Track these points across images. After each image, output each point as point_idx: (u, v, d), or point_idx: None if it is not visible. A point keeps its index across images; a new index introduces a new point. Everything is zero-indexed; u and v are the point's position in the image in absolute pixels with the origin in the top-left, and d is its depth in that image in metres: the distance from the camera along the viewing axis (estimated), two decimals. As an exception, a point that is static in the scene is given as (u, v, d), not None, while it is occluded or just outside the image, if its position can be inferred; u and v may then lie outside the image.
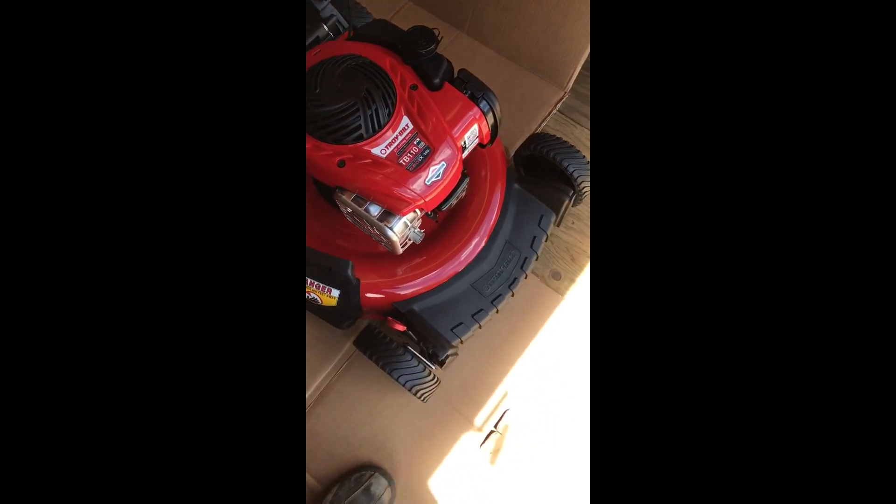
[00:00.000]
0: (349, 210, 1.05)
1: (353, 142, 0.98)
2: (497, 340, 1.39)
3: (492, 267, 1.24)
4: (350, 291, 1.16)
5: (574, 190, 1.31)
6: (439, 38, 1.07)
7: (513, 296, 1.27)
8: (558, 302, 1.40)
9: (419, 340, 1.18)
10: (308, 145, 0.98)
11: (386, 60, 1.04)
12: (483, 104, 1.08)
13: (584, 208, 1.47)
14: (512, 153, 1.42)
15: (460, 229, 1.24)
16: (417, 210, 1.05)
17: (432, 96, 1.05)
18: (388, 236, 1.04)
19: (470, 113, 1.06)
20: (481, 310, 1.22)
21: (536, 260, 1.34)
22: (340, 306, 1.18)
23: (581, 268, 1.44)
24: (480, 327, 1.24)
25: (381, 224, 1.02)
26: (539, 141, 1.30)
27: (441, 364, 1.19)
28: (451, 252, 1.22)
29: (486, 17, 1.61)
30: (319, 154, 0.98)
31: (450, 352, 1.19)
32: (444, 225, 1.27)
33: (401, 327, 1.15)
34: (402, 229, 1.05)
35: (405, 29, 1.07)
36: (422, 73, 1.06)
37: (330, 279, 1.14)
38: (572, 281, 1.43)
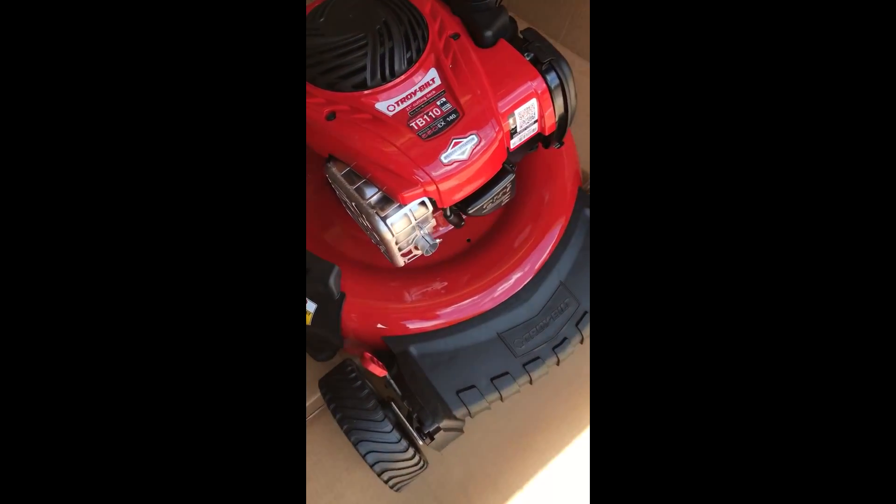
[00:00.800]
0: (340, 191, 0.76)
1: (351, 88, 0.70)
2: (527, 426, 0.98)
3: (533, 315, 0.87)
4: (329, 308, 0.84)
5: None
6: None
7: (558, 364, 0.88)
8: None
9: (406, 398, 0.82)
10: (296, 88, 0.72)
11: (426, 3, 0.78)
12: (551, 76, 0.75)
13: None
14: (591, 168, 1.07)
15: (498, 252, 0.89)
16: (428, 202, 0.73)
17: (479, 52, 0.75)
18: (380, 231, 0.72)
19: (528, 83, 0.74)
20: (506, 373, 0.84)
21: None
22: (315, 327, 0.86)
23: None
24: (502, 399, 0.85)
25: (371, 212, 0.71)
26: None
27: (431, 438, 0.81)
28: (479, 282, 0.87)
29: (586, 27, 1.33)
30: (307, 101, 0.71)
31: (448, 424, 0.82)
32: (477, 244, 0.93)
33: (380, 371, 0.80)
34: (401, 225, 0.73)
35: None
36: (471, 25, 0.77)
37: (311, 284, 0.84)
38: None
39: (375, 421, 0.78)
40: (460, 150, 0.69)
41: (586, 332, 0.88)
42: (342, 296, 0.85)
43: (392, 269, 0.85)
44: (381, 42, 0.69)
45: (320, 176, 0.94)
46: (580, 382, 1.01)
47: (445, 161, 0.68)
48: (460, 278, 0.89)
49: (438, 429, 0.80)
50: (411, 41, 0.71)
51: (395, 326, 0.86)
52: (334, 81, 0.70)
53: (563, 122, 0.81)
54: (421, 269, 0.91)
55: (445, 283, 0.87)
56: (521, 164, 0.97)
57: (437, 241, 0.80)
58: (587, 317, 0.88)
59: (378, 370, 0.80)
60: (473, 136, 0.70)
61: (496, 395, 0.84)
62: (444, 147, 0.68)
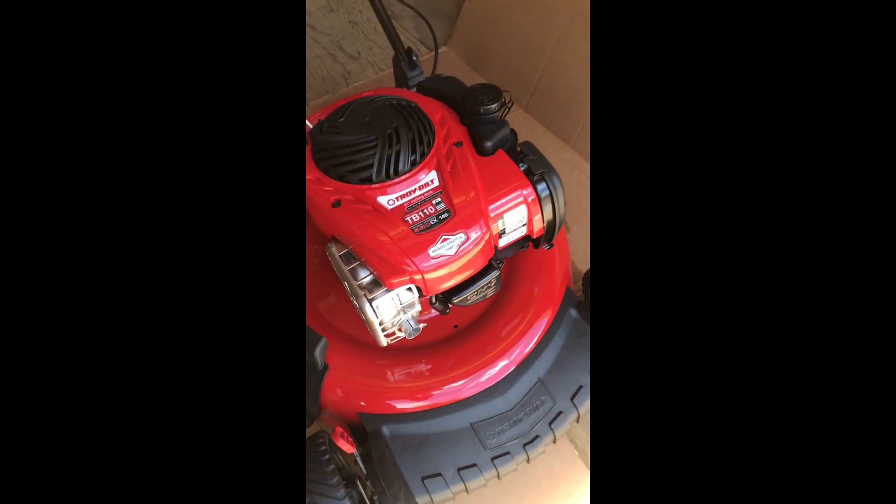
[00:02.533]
0: (337, 269, 0.82)
1: (358, 182, 0.78)
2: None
3: (508, 409, 0.88)
4: (312, 378, 0.88)
5: None
6: (508, 102, 0.88)
7: (528, 461, 0.88)
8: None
9: (370, 478, 0.83)
10: (309, 176, 0.81)
11: (438, 112, 0.87)
12: (541, 186, 0.83)
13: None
14: (585, 270, 1.11)
15: (482, 341, 0.93)
16: (414, 289, 0.78)
17: (477, 160, 0.84)
18: (366, 312, 0.77)
19: (519, 191, 0.81)
20: (474, 465, 0.84)
21: (577, 422, 0.94)
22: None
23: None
24: (468, 491, 0.85)
25: (360, 293, 0.76)
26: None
27: None
28: (459, 370, 0.90)
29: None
30: (317, 188, 0.79)
31: None
32: (463, 331, 0.97)
33: (348, 448, 0.82)
34: (387, 308, 0.78)
35: None
36: (474, 134, 0.86)
37: (294, 353, 0.88)
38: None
39: (336, 499, 0.79)
40: (448, 246, 0.75)
41: (559, 432, 0.89)
42: (325, 367, 0.88)
43: (375, 345, 0.89)
44: (390, 145, 0.78)
45: (322, 249, 1.01)
46: (548, 485, 0.99)
47: (433, 254, 0.74)
48: (445, 363, 0.92)
49: None
50: (416, 146, 0.80)
51: (373, 404, 0.88)
52: (344, 174, 0.78)
53: (551, 228, 0.88)
54: (408, 350, 0.94)
55: (430, 367, 0.90)
56: (513, 258, 1.02)
57: (421, 325, 0.84)
58: (561, 417, 0.89)
59: (346, 447, 0.81)
60: (461, 234, 0.76)
61: (461, 486, 0.84)
62: (433, 242, 0.75)
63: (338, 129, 0.80)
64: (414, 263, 0.74)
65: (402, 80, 1.20)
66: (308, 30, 2.08)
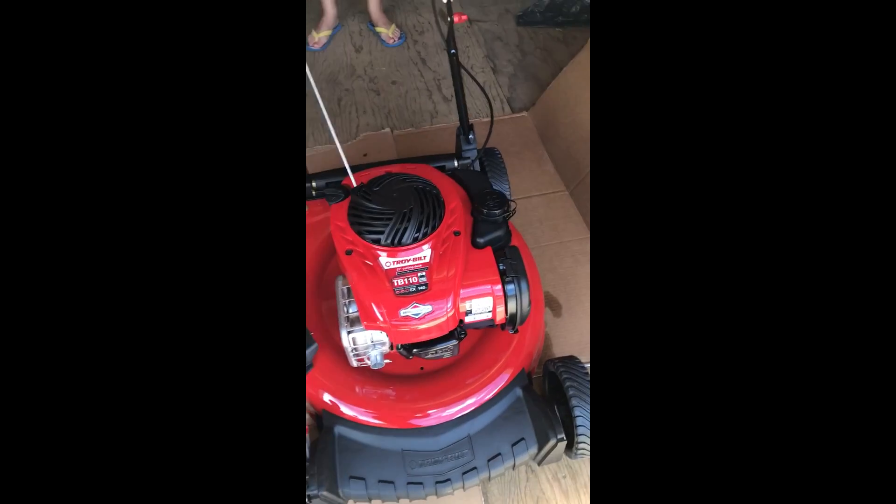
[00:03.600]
0: (338, 299, 1.05)
1: (370, 241, 1.01)
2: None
3: (434, 449, 1.08)
4: (297, 369, 1.12)
5: (566, 438, 1.07)
6: (511, 210, 1.07)
7: (436, 496, 1.07)
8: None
9: (309, 461, 1.05)
10: (338, 223, 1.04)
11: (454, 202, 1.08)
12: (509, 287, 1.01)
13: (583, 466, 1.19)
14: (553, 357, 1.27)
15: (431, 389, 1.12)
16: (385, 336, 1.00)
17: (468, 251, 1.03)
18: (342, 337, 1.00)
19: (488, 286, 1.00)
20: (392, 482, 1.04)
21: (487, 480, 1.12)
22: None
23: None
24: (369, 502, 1.06)
25: (345, 323, 0.99)
26: (568, 364, 1.14)
27: (310, 500, 1.02)
28: (406, 404, 1.11)
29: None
30: (340, 235, 1.03)
31: (332, 499, 1.03)
32: (426, 375, 1.17)
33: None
34: (361, 340, 1.01)
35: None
36: (474, 228, 1.06)
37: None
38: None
39: None
40: (415, 312, 0.96)
41: (469, 483, 1.06)
42: (310, 366, 1.12)
43: (367, 373, 1.12)
44: (401, 221, 1.00)
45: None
46: None
47: (402, 315, 0.96)
48: (405, 395, 1.12)
49: (316, 498, 1.01)
50: (422, 227, 1.01)
51: (335, 408, 1.11)
52: (362, 232, 1.01)
53: (514, 319, 1.05)
54: (379, 375, 1.16)
55: (383, 390, 1.11)
56: (490, 332, 1.20)
57: (386, 361, 1.06)
58: (474, 472, 1.06)
59: None
60: (429, 306, 0.96)
61: (377, 494, 1.04)
62: (404, 305, 0.96)
63: (369, 197, 1.03)
64: (385, 317, 0.95)
65: (458, 149, 1.41)
66: (419, 62, 2.35)
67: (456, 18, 1.42)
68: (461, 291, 0.99)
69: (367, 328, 0.98)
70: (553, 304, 1.48)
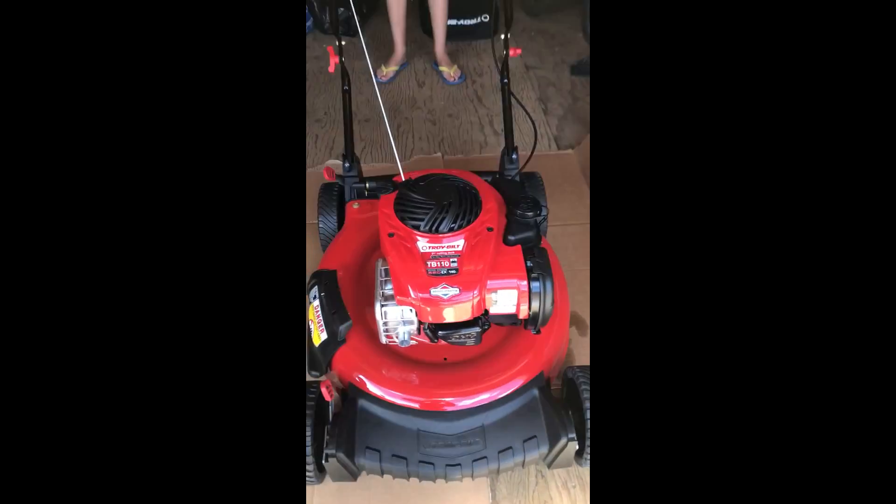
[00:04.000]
0: (377, 278, 1.15)
1: (411, 226, 1.11)
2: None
3: (448, 434, 1.12)
4: (330, 343, 1.21)
5: (577, 440, 1.10)
6: (543, 214, 1.15)
7: (445, 480, 1.11)
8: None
9: (330, 423, 1.11)
10: (385, 210, 1.16)
11: (491, 202, 1.17)
12: (534, 284, 1.08)
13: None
14: (567, 366, 1.30)
15: (452, 378, 1.18)
16: (415, 316, 1.08)
17: (499, 245, 1.11)
18: (375, 311, 1.08)
19: (514, 280, 1.07)
20: (405, 460, 1.09)
21: (496, 473, 1.14)
22: (320, 349, 1.23)
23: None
24: (392, 476, 1.11)
25: (380, 298, 1.08)
26: (586, 371, 1.17)
27: (326, 460, 1.07)
28: (427, 388, 1.17)
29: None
30: (385, 220, 1.14)
31: (345, 462, 1.08)
32: (449, 365, 1.23)
33: (327, 396, 1.12)
34: (392, 316, 1.09)
35: None
36: (507, 227, 1.14)
37: (329, 322, 1.22)
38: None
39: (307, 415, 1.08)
40: (444, 292, 1.04)
41: (477, 471, 1.09)
42: (343, 342, 1.21)
43: (387, 348, 1.20)
44: (440, 212, 1.10)
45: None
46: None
47: (432, 293, 1.04)
48: (427, 380, 1.18)
49: (332, 457, 1.06)
50: (458, 219, 1.10)
51: (360, 381, 1.18)
52: (405, 218, 1.12)
53: (536, 318, 1.11)
54: (405, 360, 1.23)
55: (408, 372, 1.18)
56: (515, 334, 1.25)
57: (413, 341, 1.13)
58: (483, 461, 1.09)
59: (326, 395, 1.12)
60: (457, 288, 1.04)
61: (389, 467, 1.09)
62: (435, 285, 1.04)
63: (415, 189, 1.15)
64: (416, 294, 1.04)
65: (501, 167, 1.52)
66: (475, 99, 2.52)
67: (511, 52, 1.57)
68: (488, 283, 1.07)
69: (399, 303, 1.06)
70: (580, 324, 1.52)
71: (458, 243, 1.10)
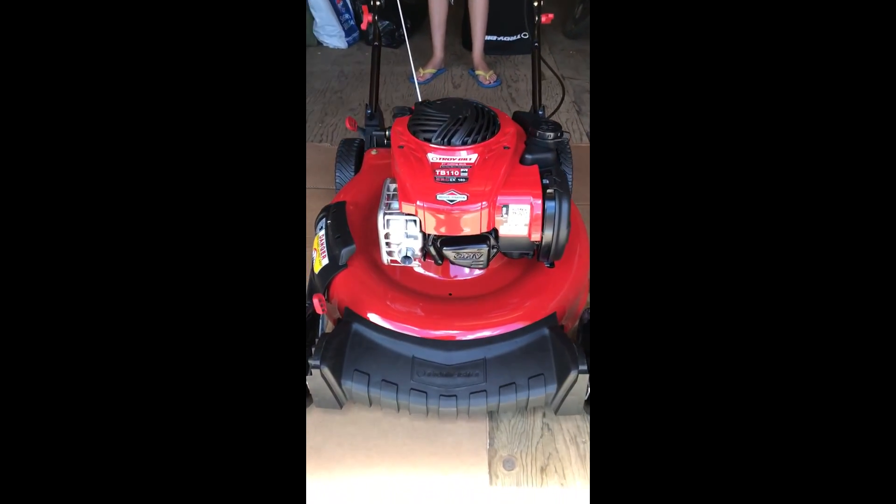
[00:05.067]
0: (383, 197, 1.10)
1: (423, 139, 1.07)
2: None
3: (447, 363, 1.02)
4: (330, 268, 1.15)
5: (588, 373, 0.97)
6: (565, 134, 1.09)
7: (438, 414, 1.00)
8: (481, 491, 0.98)
9: (322, 339, 1.02)
10: (398, 128, 1.12)
11: (510, 126, 1.12)
12: (549, 203, 1.00)
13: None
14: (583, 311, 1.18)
15: (460, 310, 1.09)
16: (418, 229, 1.02)
17: (514, 164, 1.05)
18: (379, 222, 1.03)
19: (529, 196, 1.00)
20: (395, 385, 1.00)
21: (495, 413, 1.02)
22: (320, 276, 1.17)
23: (561, 491, 0.98)
24: (380, 405, 1.01)
25: (384, 209, 1.03)
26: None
27: (310, 373, 0.98)
28: (427, 313, 1.08)
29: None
30: (397, 136, 1.10)
31: (331, 383, 0.99)
32: (453, 299, 1.14)
33: (320, 309, 1.04)
34: (396, 228, 1.03)
35: None
36: (526, 148, 1.08)
37: (331, 247, 1.17)
38: (529, 486, 0.98)
39: None
40: (450, 198, 0.98)
41: (474, 406, 0.98)
42: (344, 267, 1.14)
43: (388, 272, 1.13)
44: (454, 124, 1.05)
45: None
46: (450, 454, 1.04)
47: (438, 198, 0.98)
48: (431, 311, 1.10)
49: (316, 370, 0.96)
50: (472, 134, 1.05)
51: (360, 308, 1.10)
52: (416, 132, 1.08)
53: (549, 245, 1.03)
54: (411, 292, 1.15)
55: (406, 298, 1.10)
56: (530, 272, 1.16)
57: (415, 261, 1.06)
58: (482, 395, 0.98)
59: (318, 308, 1.05)
60: (466, 195, 0.98)
61: (377, 394, 0.99)
62: (442, 191, 0.98)
63: (431, 106, 1.11)
64: (422, 199, 0.98)
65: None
66: (509, 100, 2.54)
67: (544, 18, 1.57)
68: (500, 198, 1.00)
69: (401, 208, 1.00)
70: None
71: (471, 157, 1.04)
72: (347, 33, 3.14)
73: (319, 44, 3.15)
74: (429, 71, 2.69)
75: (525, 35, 2.97)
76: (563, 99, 1.61)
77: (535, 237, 1.02)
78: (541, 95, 1.48)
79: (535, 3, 1.56)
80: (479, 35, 2.63)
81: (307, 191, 1.80)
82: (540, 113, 1.46)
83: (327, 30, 3.08)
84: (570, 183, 1.53)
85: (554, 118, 2.13)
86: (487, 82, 2.63)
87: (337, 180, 1.55)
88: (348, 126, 1.51)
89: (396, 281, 1.16)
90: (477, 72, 2.68)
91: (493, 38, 2.94)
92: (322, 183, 1.84)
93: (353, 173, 1.53)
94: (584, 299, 1.20)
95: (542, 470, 1.00)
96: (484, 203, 0.98)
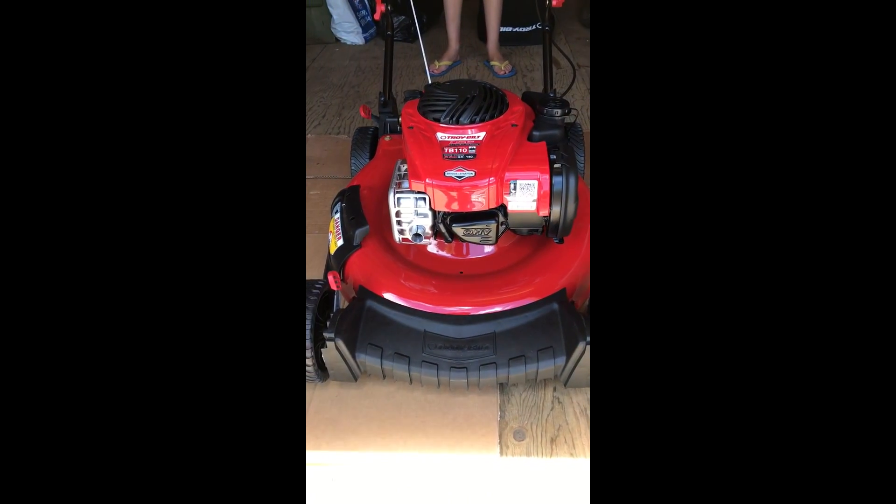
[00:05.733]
0: (394, 177, 1.13)
1: (432, 119, 1.09)
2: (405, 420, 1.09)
3: (457, 337, 1.04)
4: (345, 248, 1.19)
5: None
6: (573, 111, 1.10)
7: (448, 385, 1.02)
8: (492, 461, 1.00)
9: (335, 315, 1.05)
10: (409, 110, 1.15)
11: (518, 105, 1.14)
12: (557, 180, 1.01)
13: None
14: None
15: (471, 287, 1.11)
16: (429, 207, 1.04)
17: (521, 141, 1.07)
18: (390, 199, 1.05)
19: (536, 171, 1.01)
20: (407, 358, 1.02)
21: (506, 386, 1.04)
22: (335, 256, 1.21)
23: (570, 460, 1.00)
24: (393, 377, 1.04)
25: (394, 189, 1.06)
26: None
27: (324, 345, 1.01)
28: (438, 290, 1.10)
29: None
30: (407, 117, 1.13)
31: (347, 355, 1.02)
32: (463, 277, 1.16)
33: (335, 286, 1.08)
34: (406, 207, 1.06)
35: None
36: (534, 125, 1.10)
37: (346, 228, 1.20)
38: (539, 456, 1.00)
39: (308, 310, 1.04)
40: (458, 174, 1.00)
41: (484, 378, 1.00)
42: (358, 247, 1.18)
43: (401, 252, 1.16)
44: (462, 103, 1.08)
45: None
46: (459, 431, 1.06)
47: (446, 175, 1.00)
48: (443, 288, 1.12)
49: (331, 342, 0.99)
50: (481, 112, 1.07)
51: (374, 286, 1.13)
52: (426, 112, 1.10)
53: (557, 221, 1.04)
54: (422, 271, 1.18)
55: (418, 275, 1.12)
56: (540, 248, 1.18)
57: (427, 240, 1.09)
58: (492, 367, 1.00)
59: (333, 285, 1.08)
60: (473, 171, 1.00)
61: (390, 367, 1.02)
62: (450, 167, 1.00)
63: (441, 87, 1.14)
64: (430, 176, 1.00)
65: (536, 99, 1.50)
66: (524, 88, 2.54)
67: (554, 1, 1.58)
68: (507, 174, 1.02)
69: (411, 186, 1.03)
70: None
71: (479, 135, 1.06)
72: (364, 29, 3.19)
73: (337, 40, 3.21)
74: (444, 63, 2.72)
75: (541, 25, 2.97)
76: (573, 81, 1.63)
77: (544, 213, 1.04)
78: (552, 79, 1.49)
79: None
80: (493, 26, 2.65)
81: (325, 180, 1.85)
82: (550, 94, 1.47)
83: (344, 26, 3.13)
84: (582, 165, 1.54)
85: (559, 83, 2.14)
86: (502, 72, 2.64)
87: (352, 167, 1.59)
88: (362, 114, 1.54)
89: (409, 260, 1.19)
90: (492, 62, 2.69)
91: (509, 28, 2.95)
92: (340, 173, 1.88)
93: (367, 160, 1.57)
94: None
95: (553, 441, 1.02)
96: (492, 179, 1.00)
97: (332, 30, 3.17)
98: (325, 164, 1.96)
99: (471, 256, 1.21)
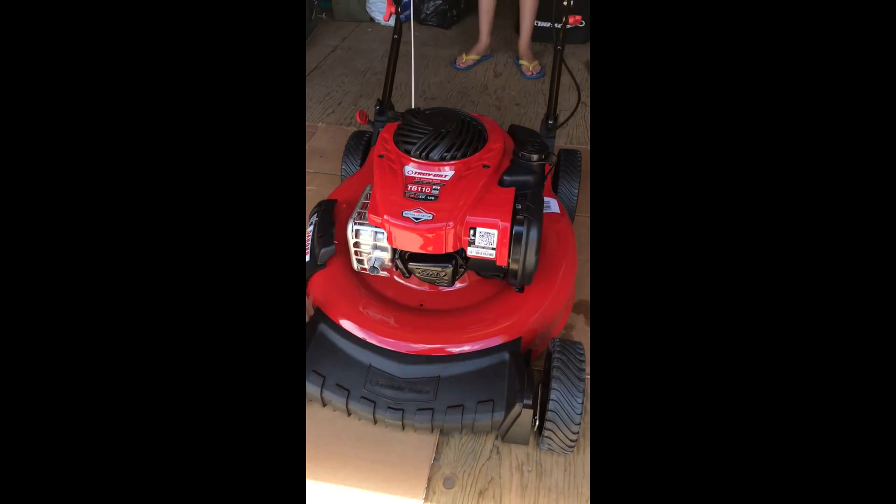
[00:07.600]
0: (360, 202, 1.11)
1: (402, 150, 1.06)
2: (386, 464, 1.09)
3: (398, 375, 1.03)
4: (310, 265, 1.18)
5: (534, 410, 0.96)
6: (549, 158, 1.04)
7: (384, 424, 1.02)
8: (425, 517, 1.00)
9: None
10: (385, 135, 1.12)
11: (498, 143, 1.09)
12: (517, 228, 0.97)
13: (555, 469, 1.02)
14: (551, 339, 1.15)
15: (423, 320, 1.09)
16: (385, 238, 1.02)
17: (491, 185, 1.02)
18: (348, 231, 1.04)
19: (496, 219, 0.98)
20: (347, 392, 1.02)
21: (440, 430, 1.02)
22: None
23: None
24: (333, 407, 1.04)
25: (355, 218, 1.04)
26: (567, 346, 1.03)
27: None
28: (394, 323, 1.09)
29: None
30: (382, 144, 1.10)
31: None
32: (422, 311, 1.14)
33: (361, 120, 1.10)
34: (364, 237, 1.04)
35: None
36: (507, 169, 1.05)
37: (313, 245, 1.20)
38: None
39: None
40: (416, 215, 0.97)
41: (419, 421, 0.99)
42: (322, 266, 1.17)
43: (367, 281, 1.15)
44: (434, 139, 1.04)
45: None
46: (393, 472, 1.05)
47: (404, 215, 0.97)
48: (386, 311, 1.11)
49: None
50: (452, 150, 1.03)
51: (331, 310, 1.13)
52: (399, 142, 1.07)
53: (515, 273, 1.00)
54: (380, 298, 1.16)
55: (375, 305, 1.11)
56: (502, 293, 1.14)
57: (383, 272, 1.07)
58: (427, 412, 0.99)
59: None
60: (431, 214, 0.97)
61: (330, 398, 1.02)
62: (410, 207, 0.97)
63: (417, 116, 1.10)
64: (389, 214, 0.98)
65: (541, 130, 1.44)
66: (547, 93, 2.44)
67: (571, 20, 1.49)
68: (469, 218, 0.98)
69: (371, 221, 1.01)
70: (587, 313, 1.36)
71: (447, 173, 1.03)
72: (402, 9, 3.11)
73: (372, 20, 3.15)
74: (472, 57, 2.63)
75: (582, 24, 2.83)
76: (577, 106, 1.55)
77: (502, 261, 1.00)
78: (556, 104, 1.42)
79: (564, 3, 1.48)
80: (527, 23, 2.53)
81: (324, 175, 1.85)
82: (550, 123, 1.40)
83: (379, 6, 3.06)
84: (576, 195, 1.47)
85: (568, 125, 2.06)
86: (530, 73, 2.54)
87: (342, 174, 1.58)
88: (358, 119, 1.51)
89: (371, 286, 1.18)
90: (521, 61, 2.59)
91: (546, 24, 2.81)
92: (340, 170, 1.87)
93: (357, 166, 1.55)
94: (564, 320, 1.17)
95: (481, 494, 1.00)
96: (449, 224, 0.97)
97: (367, 9, 3.11)
98: (328, 158, 1.95)
99: (436, 289, 1.19)
